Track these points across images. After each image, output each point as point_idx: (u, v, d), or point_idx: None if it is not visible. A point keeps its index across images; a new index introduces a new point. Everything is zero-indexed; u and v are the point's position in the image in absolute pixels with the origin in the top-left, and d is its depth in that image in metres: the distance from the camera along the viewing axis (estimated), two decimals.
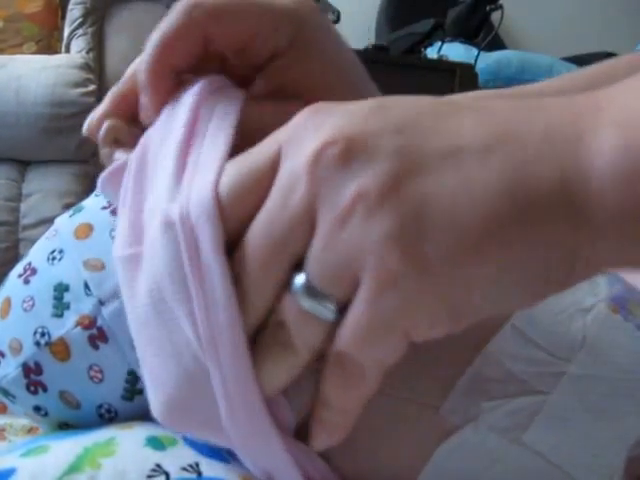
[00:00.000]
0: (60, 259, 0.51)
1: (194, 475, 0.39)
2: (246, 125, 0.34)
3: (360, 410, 0.30)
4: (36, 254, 0.54)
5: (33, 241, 1.73)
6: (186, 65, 0.36)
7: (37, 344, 0.49)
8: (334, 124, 0.28)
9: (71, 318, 0.49)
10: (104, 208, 0.54)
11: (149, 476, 0.38)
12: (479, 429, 0.37)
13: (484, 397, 0.38)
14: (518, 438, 0.37)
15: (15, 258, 1.62)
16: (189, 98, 0.35)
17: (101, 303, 0.49)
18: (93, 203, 0.56)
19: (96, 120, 0.38)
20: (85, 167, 1.70)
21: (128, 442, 0.43)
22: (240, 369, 0.30)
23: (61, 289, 0.50)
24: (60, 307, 0.50)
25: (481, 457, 0.37)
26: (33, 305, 0.50)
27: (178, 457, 0.41)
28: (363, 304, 0.27)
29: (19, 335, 0.50)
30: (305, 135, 0.29)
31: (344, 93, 0.36)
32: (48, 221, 1.63)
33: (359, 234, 0.26)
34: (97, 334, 0.48)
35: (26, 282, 0.52)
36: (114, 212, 0.53)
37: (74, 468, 0.39)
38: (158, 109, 0.36)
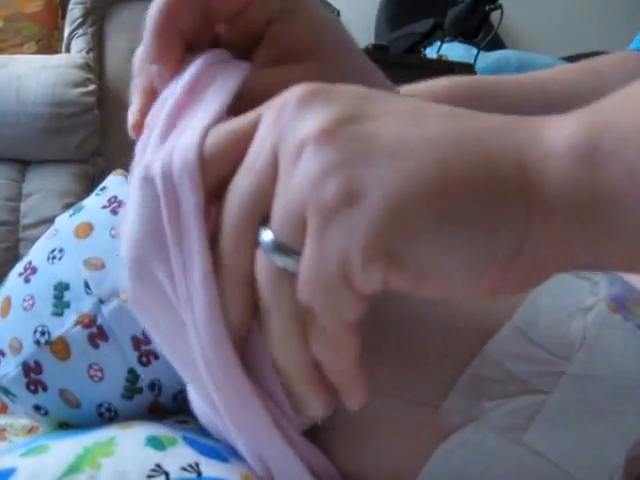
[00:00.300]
0: (60, 258, 0.52)
1: (194, 475, 0.38)
2: (252, 94, 0.34)
3: (356, 369, 0.30)
4: (36, 253, 0.54)
5: (33, 241, 1.72)
6: (191, 30, 0.36)
7: (37, 343, 0.49)
8: (306, 84, 0.28)
9: (71, 317, 0.49)
10: (104, 207, 0.54)
11: (149, 476, 0.38)
12: (479, 429, 0.37)
13: (484, 397, 0.38)
14: (519, 438, 0.37)
15: (15, 258, 1.62)
16: (193, 66, 0.35)
17: (101, 302, 0.49)
18: (93, 202, 0.56)
19: (138, 119, 0.37)
20: (85, 167, 1.69)
21: (128, 442, 0.43)
22: (213, 327, 0.30)
23: (61, 288, 0.50)
24: (60, 306, 0.50)
25: (481, 457, 0.37)
26: (33, 304, 0.50)
27: (178, 457, 0.41)
28: (307, 247, 0.26)
29: (19, 334, 0.50)
30: (280, 98, 0.29)
31: (331, 57, 0.37)
32: (48, 221, 1.63)
33: (305, 173, 0.26)
34: (97, 333, 0.49)
35: (26, 281, 0.52)
36: (114, 211, 0.53)
37: (74, 468, 0.39)
38: (172, 76, 0.36)
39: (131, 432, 0.45)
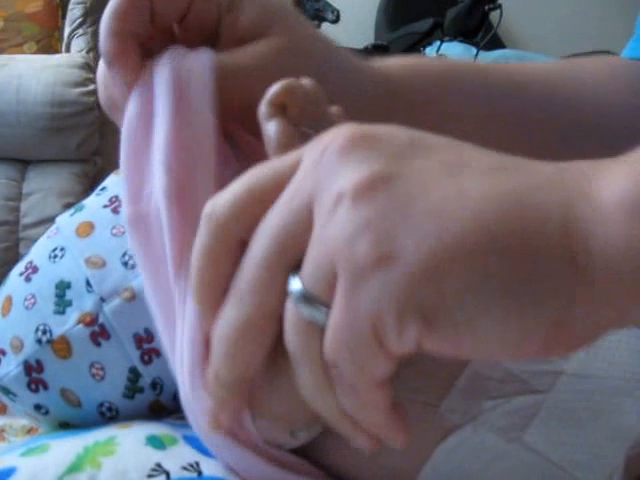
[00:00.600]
0: (62, 257, 0.52)
1: (194, 474, 0.38)
2: (225, 75, 0.37)
3: (388, 419, 0.29)
4: (37, 252, 0.54)
5: (33, 240, 1.71)
6: (144, 32, 0.38)
7: (39, 342, 0.49)
8: (349, 128, 0.28)
9: (73, 315, 0.49)
10: (105, 206, 0.54)
11: (149, 475, 0.38)
12: (478, 429, 0.37)
13: (483, 396, 0.38)
14: (518, 437, 0.37)
15: (15, 258, 1.62)
16: (162, 82, 0.36)
17: (102, 300, 0.49)
18: (94, 202, 0.56)
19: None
20: (85, 166, 1.69)
21: (128, 441, 0.43)
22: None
23: (63, 286, 0.50)
24: (62, 304, 0.50)
25: (480, 456, 0.37)
26: (35, 303, 0.50)
27: (178, 456, 0.40)
28: (337, 303, 0.25)
29: (20, 333, 0.50)
30: (322, 141, 0.28)
31: (291, 33, 0.40)
32: (48, 220, 1.62)
33: (339, 227, 0.25)
34: (99, 331, 0.49)
35: (27, 280, 0.52)
36: (115, 210, 0.54)
37: (75, 467, 0.39)
38: (132, 77, 0.37)
39: (131, 431, 0.45)
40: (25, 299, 0.51)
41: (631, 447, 0.36)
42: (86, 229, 0.52)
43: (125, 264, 0.50)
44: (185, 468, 0.39)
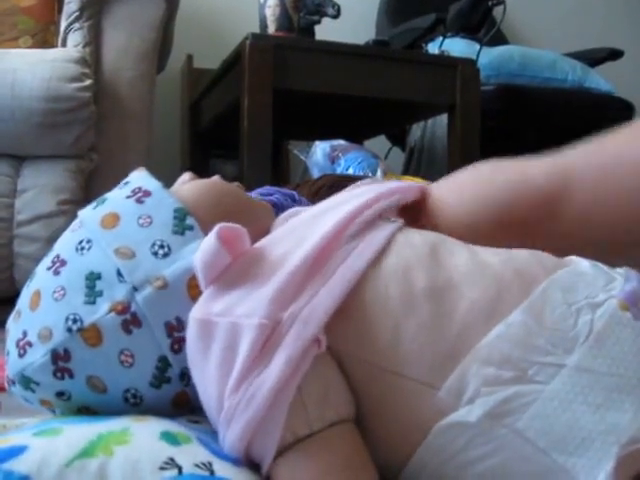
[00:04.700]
0: (89, 249, 0.52)
1: (207, 473, 0.39)
2: None
3: None
4: (63, 246, 0.54)
5: (28, 238, 1.68)
6: None
7: (69, 330, 0.49)
8: None
9: (104, 305, 0.49)
10: (128, 197, 0.55)
11: (162, 467, 0.39)
12: (474, 412, 0.39)
13: (483, 382, 0.39)
14: (510, 424, 0.38)
15: (10, 255, 1.59)
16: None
17: (135, 289, 0.49)
18: (117, 194, 0.57)
19: None
20: (80, 163, 1.66)
21: (143, 433, 0.43)
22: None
23: (93, 277, 0.50)
24: (92, 295, 0.50)
25: (473, 438, 0.39)
26: (64, 294, 0.51)
27: (192, 454, 0.41)
28: None
29: (50, 323, 0.50)
30: None
31: None
32: (43, 217, 1.60)
33: None
34: (131, 319, 0.49)
35: (56, 273, 0.52)
36: (139, 200, 0.54)
37: (86, 453, 0.40)
38: None
39: (146, 425, 0.45)
40: (54, 291, 0.51)
41: (624, 445, 0.37)
42: (111, 220, 0.53)
43: (155, 254, 0.51)
44: (198, 466, 0.40)
